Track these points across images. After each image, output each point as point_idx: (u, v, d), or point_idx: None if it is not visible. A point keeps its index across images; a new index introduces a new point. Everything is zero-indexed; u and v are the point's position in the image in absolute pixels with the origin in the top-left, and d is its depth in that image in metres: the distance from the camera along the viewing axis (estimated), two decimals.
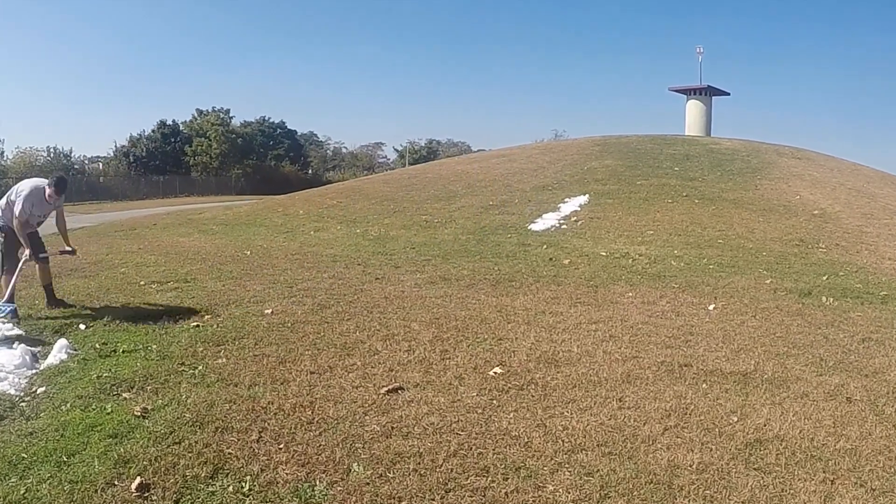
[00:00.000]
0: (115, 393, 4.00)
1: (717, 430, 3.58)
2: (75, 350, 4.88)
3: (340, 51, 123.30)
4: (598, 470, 3.10)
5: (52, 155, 45.06)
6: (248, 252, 8.90)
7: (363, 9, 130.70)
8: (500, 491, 2.92)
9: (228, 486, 2.92)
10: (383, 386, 4.12)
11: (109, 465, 3.06)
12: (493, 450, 3.30)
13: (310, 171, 60.26)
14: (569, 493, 2.91)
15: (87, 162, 52.65)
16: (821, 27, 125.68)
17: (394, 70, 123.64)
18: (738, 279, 8.02)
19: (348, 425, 3.55)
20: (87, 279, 7.76)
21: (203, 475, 3.00)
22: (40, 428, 3.48)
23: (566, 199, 14.23)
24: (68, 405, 3.80)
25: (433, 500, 2.85)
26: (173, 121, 51.43)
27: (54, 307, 6.20)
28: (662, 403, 3.93)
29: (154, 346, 4.94)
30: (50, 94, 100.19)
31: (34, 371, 4.49)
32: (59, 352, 4.76)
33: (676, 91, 30.34)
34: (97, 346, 4.97)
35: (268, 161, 55.40)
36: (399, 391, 4.06)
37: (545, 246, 10.41)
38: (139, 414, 3.64)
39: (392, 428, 3.53)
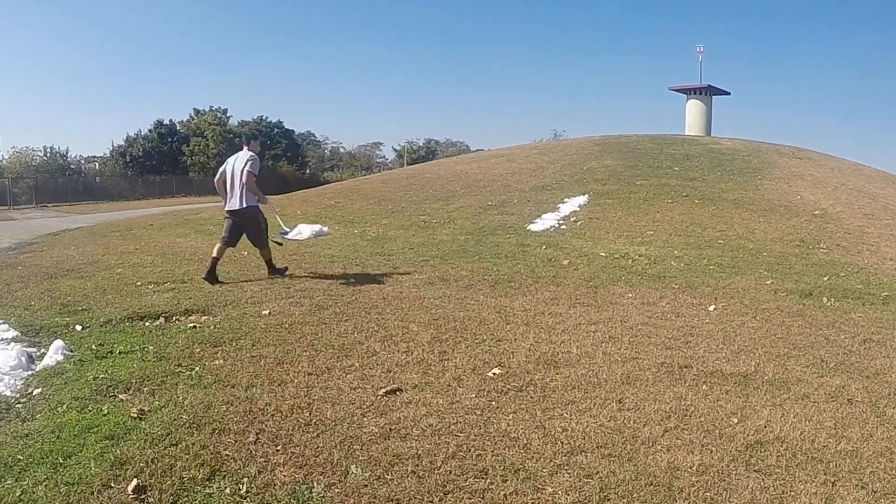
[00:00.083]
0: (111, 394, 3.97)
1: (717, 431, 3.56)
2: (71, 351, 4.84)
3: (339, 50, 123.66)
4: (598, 472, 3.08)
5: (48, 155, 45.04)
6: (245, 253, 8.87)
7: (362, 8, 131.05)
8: (499, 493, 2.89)
9: (225, 488, 2.90)
10: (381, 387, 4.10)
11: (106, 467, 3.03)
12: (492, 451, 3.28)
13: (307, 171, 60.09)
14: (568, 495, 2.89)
15: (83, 162, 52.69)
16: (821, 27, 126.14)
17: (392, 69, 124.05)
18: (739, 280, 8.01)
19: (346, 427, 3.53)
20: (83, 279, 7.73)
21: (200, 477, 2.97)
22: (36, 429, 3.46)
23: (565, 200, 14.22)
24: (64, 407, 3.77)
25: (431, 502, 2.83)
26: (170, 120, 51.46)
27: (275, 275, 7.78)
28: (662, 405, 3.91)
29: (151, 348, 4.91)
30: (47, 94, 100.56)
31: (30, 372, 4.47)
32: (55, 353, 4.73)
33: (676, 90, 30.36)
34: (93, 347, 4.94)
35: (265, 161, 55.23)
36: (397, 392, 4.03)
37: (544, 246, 10.39)
38: (136, 415, 3.61)
39: (390, 429, 3.50)
